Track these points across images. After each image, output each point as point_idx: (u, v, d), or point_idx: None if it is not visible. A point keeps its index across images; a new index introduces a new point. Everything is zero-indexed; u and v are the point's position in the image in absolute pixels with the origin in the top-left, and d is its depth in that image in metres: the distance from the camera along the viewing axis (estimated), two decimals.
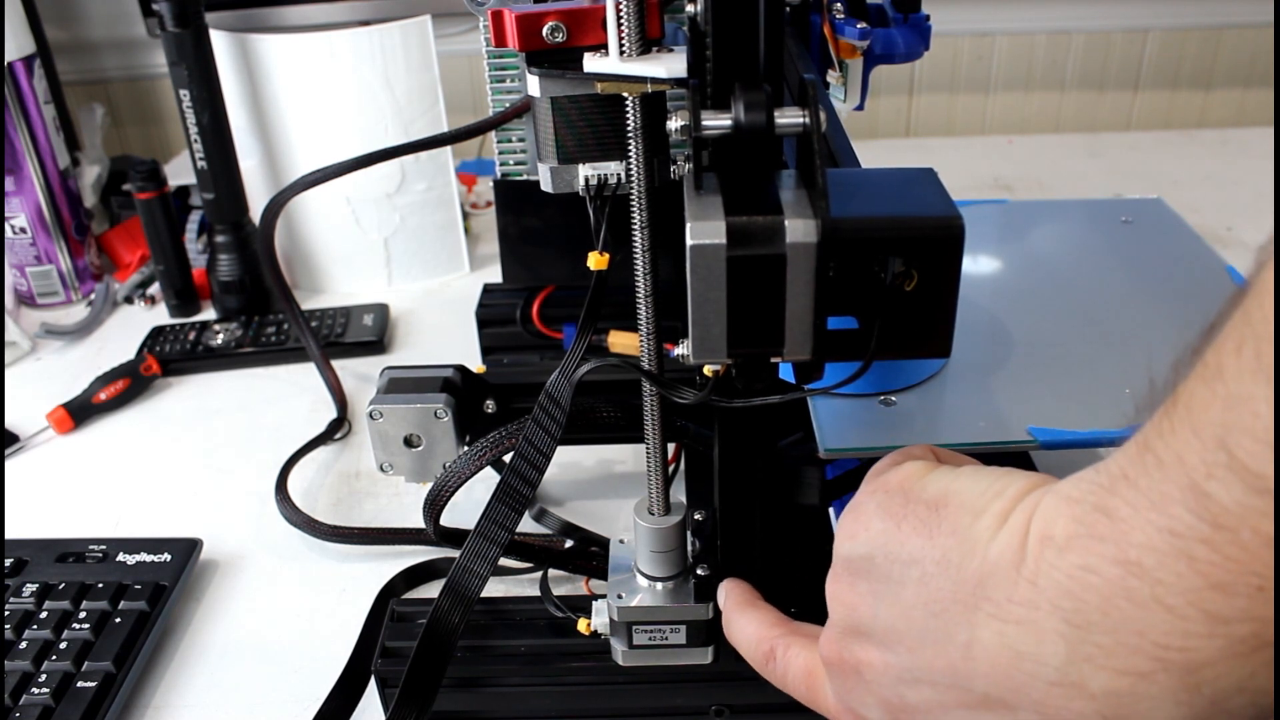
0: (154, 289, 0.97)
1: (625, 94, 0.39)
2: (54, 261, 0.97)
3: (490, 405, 0.63)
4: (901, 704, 0.32)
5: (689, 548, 0.47)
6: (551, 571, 0.55)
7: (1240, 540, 0.22)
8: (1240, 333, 0.22)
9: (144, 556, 0.60)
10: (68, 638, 0.55)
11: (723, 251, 0.32)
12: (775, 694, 0.40)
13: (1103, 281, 0.57)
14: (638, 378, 0.42)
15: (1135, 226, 0.63)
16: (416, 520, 0.53)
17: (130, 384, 0.80)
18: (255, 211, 0.91)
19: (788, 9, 0.57)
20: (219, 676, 0.56)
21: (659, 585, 0.46)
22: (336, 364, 0.80)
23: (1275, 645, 0.23)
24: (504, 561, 0.49)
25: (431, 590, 0.61)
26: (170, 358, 0.84)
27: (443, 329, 0.89)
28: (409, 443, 0.58)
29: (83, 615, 0.56)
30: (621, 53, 0.37)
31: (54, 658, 0.53)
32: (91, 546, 0.61)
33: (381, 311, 0.90)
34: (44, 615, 0.56)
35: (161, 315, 0.94)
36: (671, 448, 0.64)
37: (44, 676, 0.52)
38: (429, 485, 0.46)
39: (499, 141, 0.50)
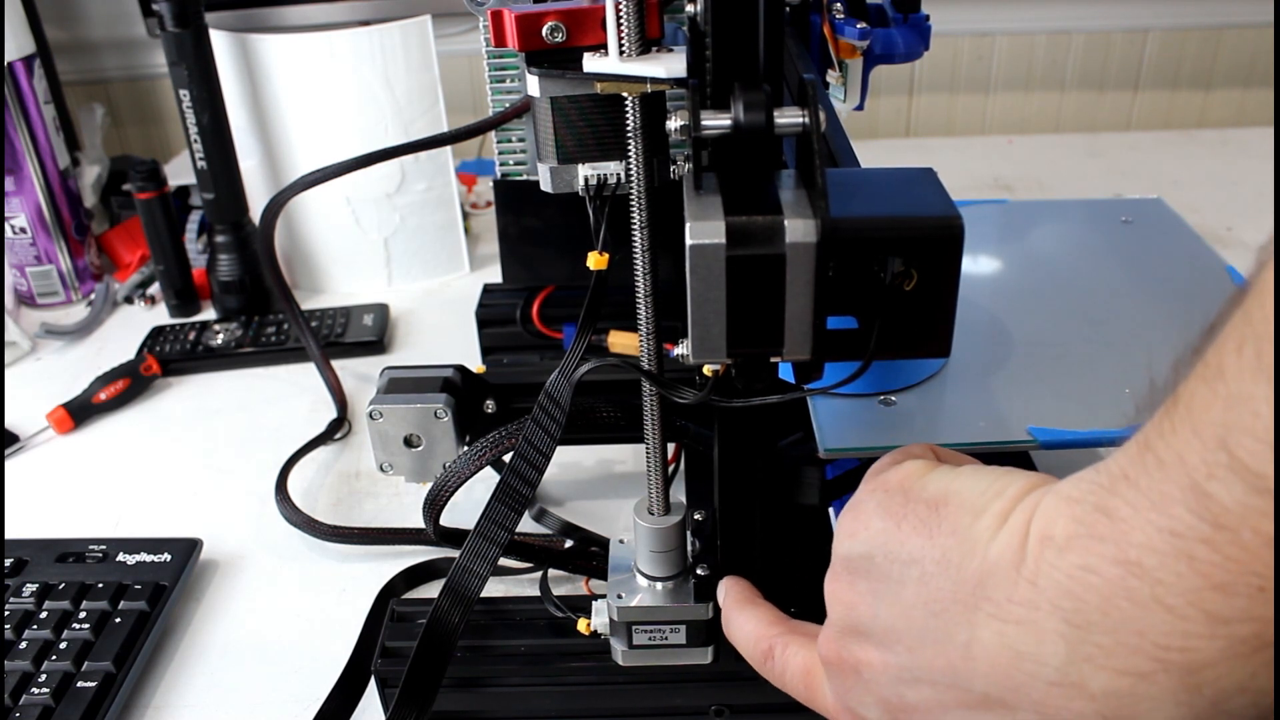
0: (154, 289, 0.97)
1: (625, 94, 0.39)
2: (54, 261, 0.97)
3: (490, 405, 0.63)
4: (900, 703, 0.32)
5: (689, 548, 0.47)
6: (551, 571, 0.55)
7: (1241, 540, 0.22)
8: (1241, 332, 0.22)
9: (144, 556, 0.60)
10: (68, 638, 0.55)
11: (722, 251, 0.32)
12: (775, 694, 0.40)
13: (1103, 282, 0.57)
14: (637, 378, 0.42)
15: (1135, 226, 0.63)
16: (416, 520, 0.53)
17: (130, 384, 0.80)
18: (255, 211, 0.91)
19: (788, 9, 0.57)
20: (219, 676, 0.56)
21: (659, 585, 0.46)
22: (336, 364, 0.80)
23: (1276, 646, 0.23)
24: (504, 561, 0.49)
25: (431, 590, 0.61)
26: (170, 358, 0.84)
27: (443, 329, 0.89)
28: (409, 443, 0.58)
29: (83, 615, 0.56)
30: (621, 53, 0.37)
31: (54, 658, 0.53)
32: (91, 546, 0.61)
33: (381, 311, 0.90)
34: (44, 615, 0.56)
35: (161, 315, 0.94)
36: (671, 448, 0.64)
37: (44, 676, 0.52)
38: (429, 485, 0.46)
39: (499, 141, 0.50)
